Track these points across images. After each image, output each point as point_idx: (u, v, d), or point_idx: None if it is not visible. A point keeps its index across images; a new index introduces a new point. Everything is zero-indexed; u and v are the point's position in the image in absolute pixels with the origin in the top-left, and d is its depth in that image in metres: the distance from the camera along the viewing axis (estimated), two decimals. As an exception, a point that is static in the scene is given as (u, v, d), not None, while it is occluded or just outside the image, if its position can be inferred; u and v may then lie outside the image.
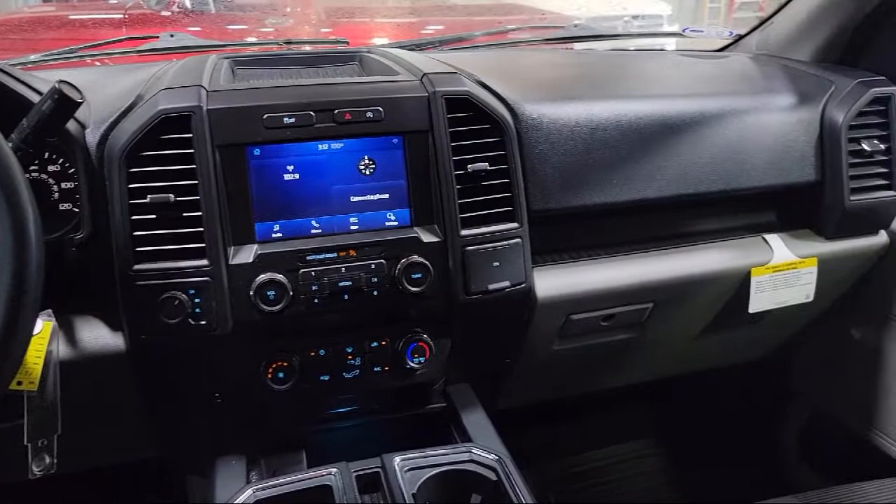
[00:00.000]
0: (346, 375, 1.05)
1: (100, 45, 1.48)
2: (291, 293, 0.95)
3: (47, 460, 0.88)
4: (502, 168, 1.05)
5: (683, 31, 1.73)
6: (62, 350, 0.93)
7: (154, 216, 0.92)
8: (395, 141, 1.01)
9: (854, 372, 1.47)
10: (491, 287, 1.05)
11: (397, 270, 0.99)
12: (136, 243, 0.91)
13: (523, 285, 1.08)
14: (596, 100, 1.18)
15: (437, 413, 1.16)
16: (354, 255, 0.99)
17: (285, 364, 1.00)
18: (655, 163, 1.17)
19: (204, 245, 0.92)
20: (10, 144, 0.81)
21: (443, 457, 0.97)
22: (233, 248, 0.95)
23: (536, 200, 1.11)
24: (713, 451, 1.87)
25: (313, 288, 0.97)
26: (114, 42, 1.48)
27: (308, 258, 0.97)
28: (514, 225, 1.06)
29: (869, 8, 1.33)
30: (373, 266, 0.99)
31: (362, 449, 0.99)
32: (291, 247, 0.96)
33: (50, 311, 0.91)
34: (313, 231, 0.99)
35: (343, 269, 0.98)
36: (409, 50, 1.40)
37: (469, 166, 1.03)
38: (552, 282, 1.15)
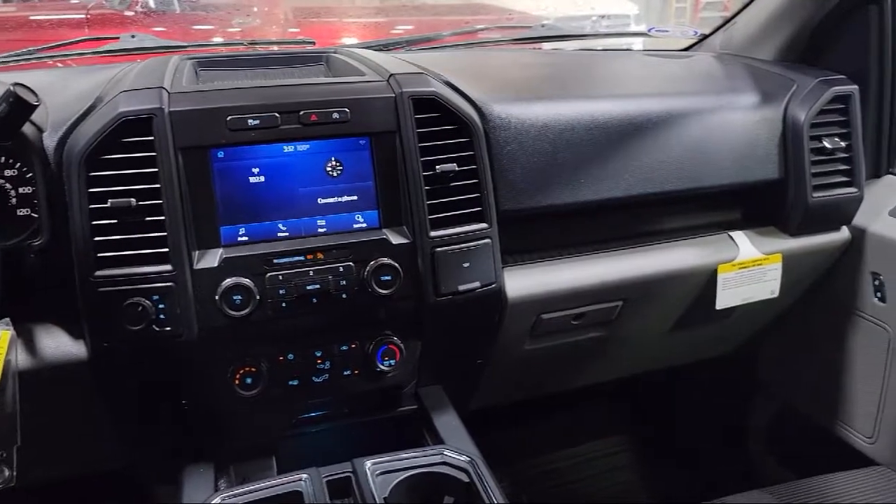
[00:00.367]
0: (316, 380, 1.04)
1: (59, 45, 1.44)
2: (258, 297, 0.94)
3: (6, 473, 0.85)
4: (471, 168, 1.05)
5: (649, 30, 1.74)
6: (21, 359, 0.91)
7: (115, 221, 0.90)
8: (362, 142, 1.00)
9: (819, 366, 1.50)
10: (461, 288, 1.04)
11: (366, 273, 0.98)
12: (97, 249, 0.89)
13: (493, 286, 1.08)
14: (563, 100, 1.18)
15: (409, 416, 1.16)
16: (322, 257, 0.98)
17: (253, 369, 0.99)
18: (623, 162, 1.18)
19: (167, 250, 0.91)
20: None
21: (414, 459, 0.97)
22: (197, 252, 0.93)
23: (506, 200, 1.11)
24: (683, 446, 1.89)
25: (281, 292, 0.95)
26: (73, 43, 1.45)
27: (275, 262, 0.95)
28: (484, 225, 1.06)
29: (828, 8, 1.35)
30: (341, 269, 0.98)
31: (334, 454, 0.98)
32: (258, 250, 0.95)
33: (8, 319, 0.88)
34: (280, 234, 0.97)
35: (311, 273, 0.97)
36: (377, 50, 1.39)
37: (437, 167, 1.02)
38: (522, 282, 1.15)
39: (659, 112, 1.21)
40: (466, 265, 1.04)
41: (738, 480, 1.16)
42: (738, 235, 1.31)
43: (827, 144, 1.28)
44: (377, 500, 0.90)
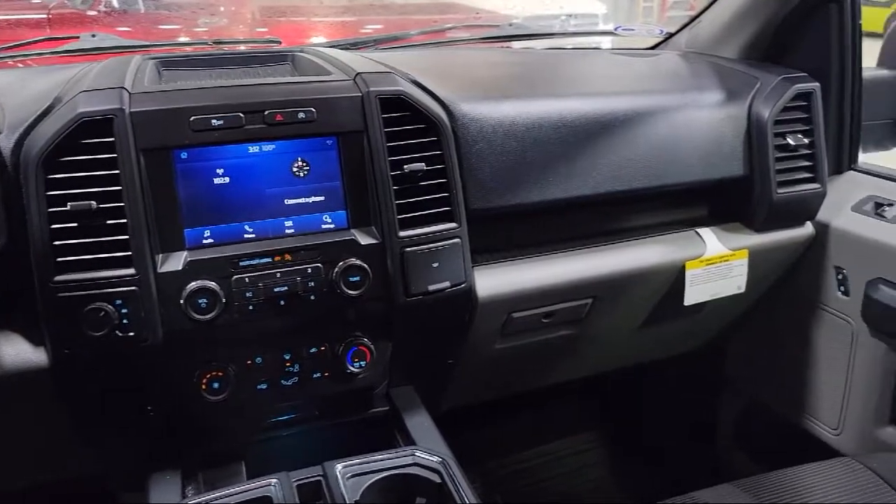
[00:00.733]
0: (285, 383, 1.03)
1: (17, 45, 1.40)
2: (224, 300, 0.92)
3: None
4: (439, 168, 1.04)
5: (616, 29, 1.76)
6: (-21, 368, 0.88)
7: (75, 224, 0.88)
8: (329, 142, 0.99)
9: (785, 359, 1.52)
10: (431, 288, 1.04)
11: (335, 274, 0.97)
12: (57, 253, 0.87)
13: (464, 285, 1.08)
14: (531, 98, 1.18)
15: (380, 417, 1.15)
16: (290, 259, 0.96)
17: (220, 374, 0.97)
18: (590, 160, 1.18)
19: (130, 253, 0.89)
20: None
21: (386, 461, 0.96)
22: (161, 255, 0.91)
23: (475, 199, 1.11)
24: (653, 442, 1.91)
25: (247, 294, 0.94)
26: (32, 42, 1.41)
27: (241, 264, 0.94)
28: (453, 225, 1.05)
29: (790, 7, 1.38)
30: (309, 270, 0.97)
31: (304, 457, 0.97)
32: (223, 252, 0.94)
33: None
34: (246, 236, 0.96)
35: (278, 275, 0.95)
36: (344, 49, 1.38)
37: (406, 166, 1.02)
38: (492, 281, 1.15)
39: (626, 110, 1.21)
40: (436, 265, 1.04)
41: (707, 475, 1.17)
42: (705, 232, 1.32)
43: (790, 141, 1.30)
44: (348, 503, 0.89)
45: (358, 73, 1.04)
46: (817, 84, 1.33)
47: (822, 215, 1.38)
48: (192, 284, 0.91)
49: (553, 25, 2.79)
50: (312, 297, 0.97)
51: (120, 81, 0.95)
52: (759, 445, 1.69)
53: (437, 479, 0.95)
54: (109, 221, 0.89)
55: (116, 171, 0.89)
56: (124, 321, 0.89)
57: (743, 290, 1.34)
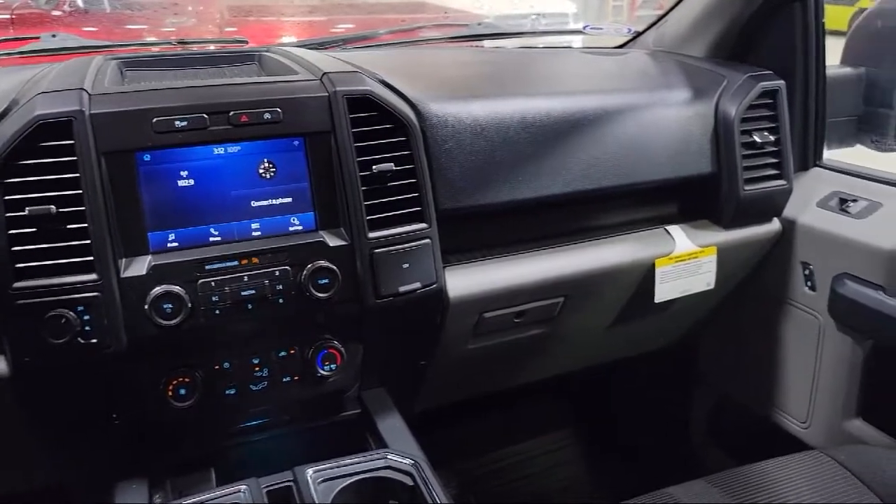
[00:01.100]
0: (254, 388, 1.01)
1: (-25, 46, 1.37)
2: (190, 305, 0.91)
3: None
4: (408, 168, 1.04)
5: (584, 28, 1.76)
6: (-64, 378, 0.86)
7: (34, 229, 0.86)
8: (296, 143, 0.98)
9: (755, 355, 1.54)
10: (401, 289, 1.03)
11: (303, 276, 0.96)
12: (15, 259, 0.85)
13: (434, 286, 1.07)
14: (501, 98, 1.18)
15: (352, 420, 1.14)
16: (257, 262, 0.95)
17: (187, 380, 0.96)
18: (560, 159, 1.18)
19: (91, 258, 0.87)
20: None
21: (357, 465, 0.95)
22: (124, 260, 0.89)
23: (444, 199, 1.10)
24: (627, 439, 1.92)
25: (214, 299, 0.92)
26: (-10, 43, 1.38)
27: (207, 268, 0.92)
28: (423, 225, 1.05)
29: (755, 6, 1.39)
30: (277, 273, 0.96)
31: (275, 463, 0.96)
32: (188, 256, 0.92)
33: None
34: (212, 239, 0.95)
35: (245, 278, 0.94)
36: (312, 49, 1.36)
37: (374, 167, 1.01)
38: (463, 281, 1.14)
39: (595, 109, 1.22)
40: (406, 266, 1.03)
41: (680, 472, 1.18)
42: (675, 229, 1.33)
43: (757, 138, 1.31)
44: (319, 508, 0.88)
45: (325, 73, 1.03)
46: (783, 82, 1.35)
47: (788, 211, 1.40)
48: (157, 289, 0.89)
49: (524, 25, 2.79)
50: (281, 301, 0.96)
51: (80, 82, 0.93)
52: (732, 440, 1.70)
53: (410, 482, 0.94)
54: (70, 226, 0.87)
55: (77, 175, 0.87)
56: (87, 328, 0.87)
57: (712, 286, 1.35)
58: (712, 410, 1.74)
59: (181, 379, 0.96)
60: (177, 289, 0.90)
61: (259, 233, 0.97)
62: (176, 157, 0.92)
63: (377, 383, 1.17)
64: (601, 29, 1.79)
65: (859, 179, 1.39)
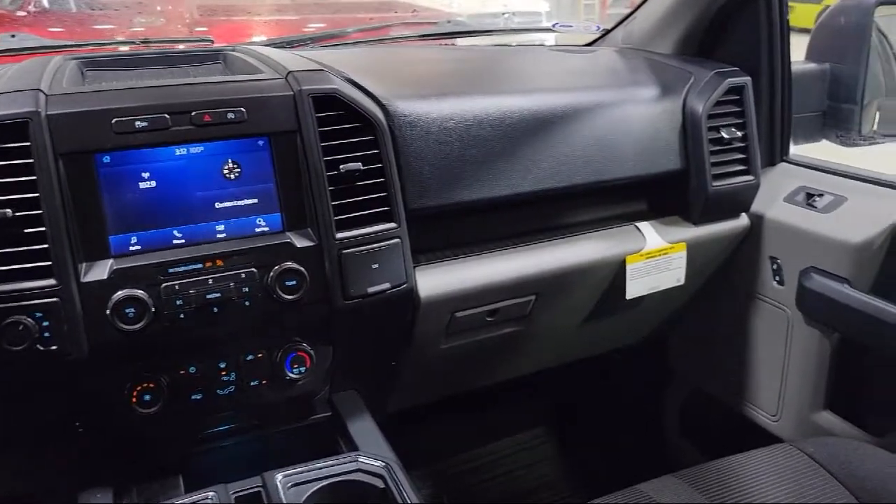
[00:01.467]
0: (221, 392, 1.00)
1: (-70, 47, 1.33)
2: (154, 309, 0.89)
3: None
4: (376, 167, 1.03)
5: (553, 26, 1.77)
6: None
7: None
8: (260, 143, 0.96)
9: (725, 349, 1.55)
10: (371, 290, 1.02)
11: (270, 278, 0.95)
12: (-30, 265, 0.83)
13: (404, 286, 1.06)
14: (469, 95, 1.17)
15: (323, 423, 1.13)
16: (222, 264, 0.93)
17: (152, 385, 0.94)
18: (529, 157, 1.18)
19: (50, 263, 0.85)
20: None
21: (328, 468, 0.94)
22: (84, 264, 0.87)
23: (413, 198, 1.09)
24: (602, 434, 1.93)
25: (178, 302, 0.91)
26: (-54, 44, 1.34)
27: (170, 271, 0.91)
28: (392, 225, 1.04)
29: (720, 3, 1.40)
30: (243, 275, 0.94)
31: (245, 468, 0.95)
32: (151, 259, 0.90)
33: None
34: (175, 242, 0.93)
35: (210, 281, 0.92)
36: (279, 48, 1.35)
37: (342, 166, 0.99)
38: (434, 280, 1.13)
39: (564, 106, 1.22)
40: (375, 266, 1.02)
41: (655, 466, 1.18)
42: (645, 226, 1.33)
43: (724, 135, 1.32)
44: (288, 513, 0.87)
45: (290, 72, 1.01)
46: (749, 78, 1.36)
47: (756, 207, 1.41)
48: (119, 294, 0.88)
49: (497, 23, 2.79)
50: (247, 303, 0.95)
51: (36, 83, 0.91)
52: (704, 434, 1.72)
53: (381, 484, 0.93)
54: (27, 230, 0.84)
55: (34, 178, 0.84)
56: (45, 334, 0.85)
57: (682, 282, 1.36)
58: (684, 405, 1.75)
59: (146, 385, 0.94)
60: (139, 293, 0.88)
61: (224, 235, 0.95)
62: (137, 159, 0.90)
63: (348, 385, 1.16)
64: (571, 27, 1.79)
65: (825, 174, 1.41)
